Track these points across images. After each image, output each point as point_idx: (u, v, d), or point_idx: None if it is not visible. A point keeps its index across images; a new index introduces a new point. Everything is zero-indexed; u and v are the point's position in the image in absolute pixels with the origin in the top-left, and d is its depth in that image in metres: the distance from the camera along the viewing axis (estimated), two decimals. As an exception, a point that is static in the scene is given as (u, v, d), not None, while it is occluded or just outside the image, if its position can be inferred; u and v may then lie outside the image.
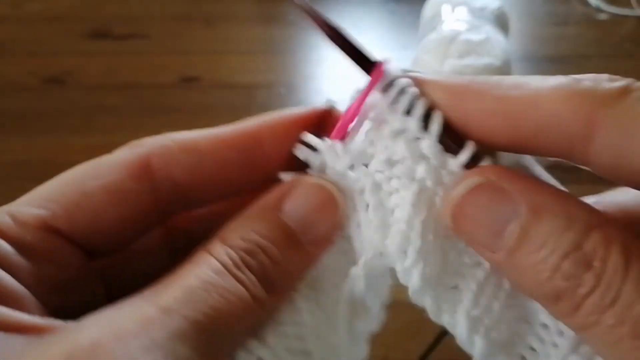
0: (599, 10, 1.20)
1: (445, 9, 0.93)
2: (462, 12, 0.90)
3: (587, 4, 1.21)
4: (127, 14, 1.23)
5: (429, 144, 0.26)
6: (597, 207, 0.25)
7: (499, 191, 0.24)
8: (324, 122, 0.31)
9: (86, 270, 0.28)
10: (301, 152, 0.29)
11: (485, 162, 0.26)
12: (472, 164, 0.26)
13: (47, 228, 0.27)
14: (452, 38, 0.85)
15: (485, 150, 0.27)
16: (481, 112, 0.26)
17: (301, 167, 0.29)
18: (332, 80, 1.04)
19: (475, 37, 0.85)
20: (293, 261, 0.26)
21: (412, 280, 0.26)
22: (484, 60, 0.82)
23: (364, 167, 0.28)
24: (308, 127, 0.30)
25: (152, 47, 1.13)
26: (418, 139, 0.27)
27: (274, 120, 0.30)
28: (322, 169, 0.28)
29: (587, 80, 0.25)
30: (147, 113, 0.95)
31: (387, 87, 0.28)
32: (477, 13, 0.90)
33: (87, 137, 0.90)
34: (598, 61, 1.07)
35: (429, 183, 0.26)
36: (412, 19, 1.09)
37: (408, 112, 0.27)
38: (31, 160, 0.86)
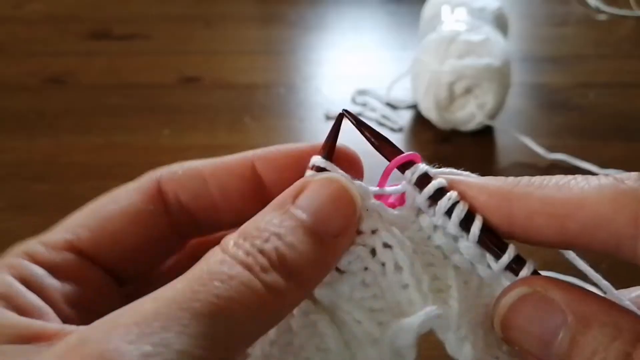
0: (598, 10, 1.20)
1: (445, 9, 0.93)
2: (462, 13, 0.90)
3: (586, 5, 1.22)
4: (127, 14, 1.23)
5: (467, 246, 0.28)
6: None
7: (546, 301, 0.25)
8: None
9: (114, 293, 0.30)
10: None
11: (527, 267, 0.28)
12: (513, 264, 0.28)
13: (74, 250, 0.29)
14: (452, 38, 0.85)
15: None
16: (527, 214, 0.27)
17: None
18: (331, 80, 1.04)
19: (475, 37, 0.85)
20: (312, 251, 0.26)
21: (464, 351, 0.27)
22: (484, 60, 0.83)
23: (393, 228, 0.28)
24: (304, 161, 0.31)
25: (152, 47, 1.13)
26: (456, 237, 0.29)
27: (269, 151, 0.32)
28: None
29: (630, 179, 0.26)
30: (147, 113, 0.95)
31: (424, 182, 0.29)
32: (477, 14, 0.90)
33: (87, 137, 0.90)
34: (597, 62, 1.07)
35: (463, 271, 0.29)
36: (411, 19, 1.09)
37: (449, 210, 0.28)
38: (31, 160, 0.86)
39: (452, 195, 0.28)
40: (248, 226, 0.26)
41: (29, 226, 0.74)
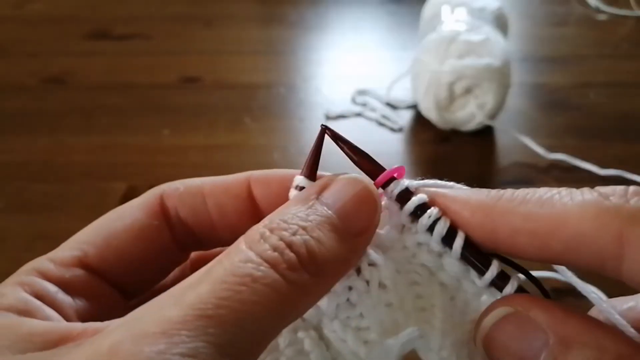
0: (598, 10, 1.20)
1: (445, 9, 0.93)
2: (462, 13, 0.90)
3: (586, 5, 1.22)
4: (127, 14, 1.23)
5: (450, 262, 0.28)
6: (634, 312, 0.26)
7: (527, 322, 0.25)
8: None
9: (122, 307, 0.31)
10: None
11: (511, 283, 0.27)
12: (497, 280, 0.28)
13: (83, 266, 0.30)
14: (452, 38, 0.85)
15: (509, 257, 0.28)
16: (509, 230, 0.26)
17: None
18: (331, 80, 1.04)
19: (475, 37, 0.85)
20: (336, 248, 0.25)
21: None
22: (484, 60, 0.83)
23: (377, 249, 0.28)
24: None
25: (152, 47, 1.13)
26: (440, 253, 0.28)
27: (265, 174, 0.33)
28: None
29: (614, 195, 0.24)
30: (147, 113, 0.95)
31: (405, 198, 0.28)
32: (477, 14, 0.90)
33: (87, 137, 0.90)
34: (597, 62, 1.07)
35: (449, 288, 0.28)
36: (411, 19, 1.09)
37: (430, 227, 0.28)
38: (31, 160, 0.86)
39: (432, 212, 0.28)
40: (274, 218, 0.26)
41: (29, 226, 0.74)
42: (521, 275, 0.28)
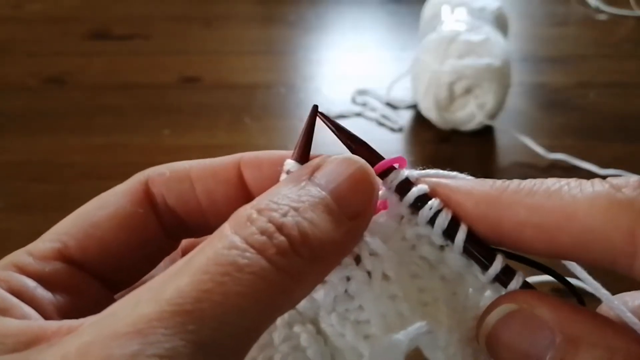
0: (598, 10, 1.20)
1: (445, 9, 0.93)
2: (462, 13, 0.90)
3: (587, 5, 1.22)
4: (127, 14, 1.23)
5: (452, 257, 0.27)
6: None
7: (533, 320, 0.24)
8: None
9: (107, 300, 0.28)
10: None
11: (516, 279, 0.26)
12: (501, 275, 0.26)
13: (63, 259, 0.28)
14: (452, 38, 0.85)
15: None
16: (515, 224, 0.24)
17: None
18: (331, 80, 1.04)
19: (475, 37, 0.85)
20: (332, 228, 0.23)
21: None
22: (484, 60, 0.83)
23: (375, 241, 0.27)
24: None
25: (152, 47, 1.13)
26: (442, 246, 0.27)
27: (256, 156, 0.30)
28: None
29: (627, 187, 0.23)
30: (147, 113, 0.95)
31: (405, 189, 0.27)
32: (477, 14, 0.90)
33: (87, 137, 0.90)
34: (597, 62, 1.07)
35: (451, 282, 0.27)
36: (411, 19, 1.09)
37: (431, 219, 0.26)
38: (31, 160, 0.86)
39: (433, 203, 0.26)
40: (263, 199, 0.24)
41: (29, 226, 0.74)
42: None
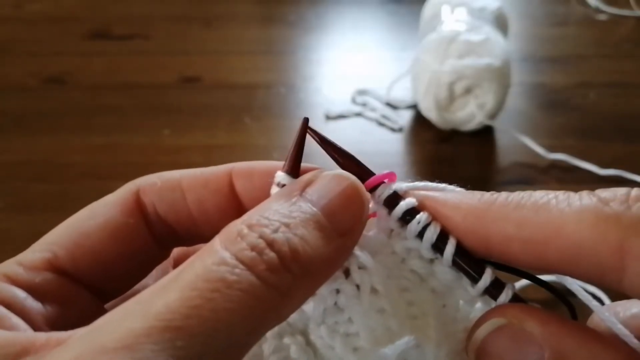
0: (598, 10, 1.20)
1: (445, 9, 0.93)
2: (462, 13, 0.90)
3: (587, 5, 1.22)
4: (127, 14, 1.23)
5: (442, 270, 0.27)
6: (637, 320, 0.25)
7: (521, 335, 0.24)
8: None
9: (97, 311, 0.28)
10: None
11: (505, 292, 0.26)
12: (491, 288, 0.26)
13: (53, 269, 0.28)
14: (452, 38, 0.85)
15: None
16: (502, 237, 0.24)
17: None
18: (331, 80, 1.04)
19: (475, 37, 0.85)
20: (321, 247, 0.23)
21: None
22: (484, 60, 0.83)
23: (364, 254, 0.27)
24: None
25: (152, 47, 1.13)
26: (431, 260, 0.27)
27: (248, 167, 0.30)
28: None
29: (615, 201, 0.22)
30: (147, 113, 0.95)
31: (393, 203, 0.27)
32: (477, 14, 0.90)
33: (87, 137, 0.90)
34: (597, 61, 1.07)
35: (441, 295, 0.27)
36: (411, 19, 1.09)
37: (420, 233, 0.26)
38: (31, 160, 0.86)
39: (422, 217, 0.26)
40: (253, 214, 0.24)
41: (29, 226, 0.74)
42: (523, 281, 0.27)
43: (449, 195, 0.26)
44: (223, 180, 0.30)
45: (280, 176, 0.27)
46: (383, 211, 0.27)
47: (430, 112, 0.87)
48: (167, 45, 1.13)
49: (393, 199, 0.27)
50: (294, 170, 0.27)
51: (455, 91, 0.84)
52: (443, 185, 0.27)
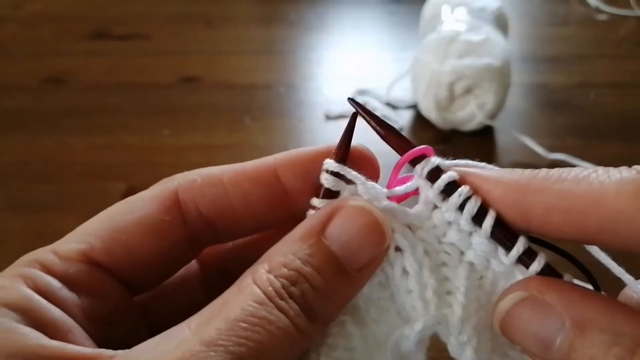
0: (598, 10, 1.20)
1: (445, 9, 0.93)
2: (462, 13, 0.90)
3: (587, 5, 1.22)
4: (127, 14, 1.23)
5: (480, 241, 0.28)
6: None
7: (542, 305, 0.25)
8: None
9: (128, 304, 0.30)
10: (328, 181, 0.29)
11: (537, 260, 0.27)
12: (524, 256, 0.27)
13: (88, 261, 0.29)
14: (452, 38, 0.85)
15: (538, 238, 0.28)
16: (543, 209, 0.25)
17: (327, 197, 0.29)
18: (331, 80, 1.04)
19: (475, 37, 0.85)
20: (336, 289, 0.26)
21: (465, 355, 0.28)
22: (484, 60, 0.83)
23: (406, 230, 0.28)
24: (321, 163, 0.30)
25: (152, 47, 1.13)
26: (470, 232, 0.28)
27: (290, 156, 0.31)
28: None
29: None
30: (147, 113, 0.95)
31: (436, 176, 0.28)
32: (477, 14, 0.90)
33: (87, 137, 0.90)
34: (597, 61, 1.07)
35: (479, 267, 0.28)
36: (412, 19, 1.09)
37: (461, 206, 0.27)
38: (31, 160, 0.86)
39: (463, 190, 0.27)
40: (275, 257, 0.26)
41: (29, 226, 0.74)
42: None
43: (489, 171, 0.28)
44: (267, 172, 0.31)
45: (329, 163, 0.28)
46: (425, 184, 0.28)
47: (430, 112, 0.87)
48: (167, 45, 1.13)
49: (436, 173, 0.28)
50: (344, 157, 0.28)
51: (455, 91, 0.84)
52: (483, 163, 0.29)
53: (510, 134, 0.86)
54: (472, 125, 0.86)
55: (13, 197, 0.79)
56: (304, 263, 0.26)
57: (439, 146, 0.87)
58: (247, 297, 0.25)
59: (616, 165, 0.81)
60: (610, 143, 0.88)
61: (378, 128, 0.29)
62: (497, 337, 0.28)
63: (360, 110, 0.29)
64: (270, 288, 0.25)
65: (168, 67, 1.06)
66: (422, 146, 0.28)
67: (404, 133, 0.95)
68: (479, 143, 0.88)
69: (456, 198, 0.27)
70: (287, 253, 0.26)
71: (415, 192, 0.29)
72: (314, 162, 0.29)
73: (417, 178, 0.28)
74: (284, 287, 0.25)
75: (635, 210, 0.23)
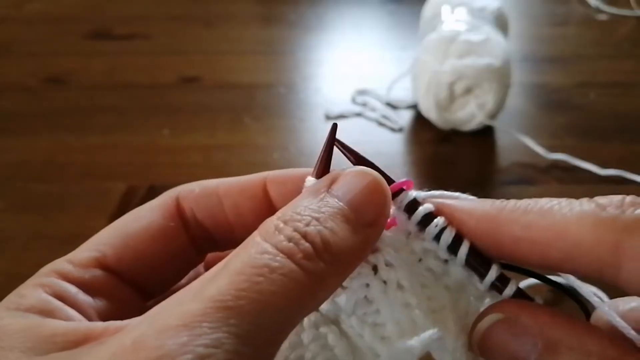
0: (598, 10, 1.20)
1: (445, 9, 0.93)
2: (462, 13, 0.90)
3: (587, 5, 1.22)
4: (127, 14, 1.23)
5: (455, 269, 0.29)
6: (636, 313, 0.27)
7: (516, 327, 0.27)
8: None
9: (141, 308, 0.31)
10: None
11: (509, 286, 0.29)
12: (497, 282, 0.29)
13: (101, 267, 0.31)
14: (452, 38, 0.85)
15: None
16: (512, 239, 0.27)
17: None
18: (331, 80, 1.04)
19: (475, 37, 0.85)
20: (350, 236, 0.26)
21: None
22: (484, 60, 0.83)
23: (390, 252, 0.29)
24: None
25: (152, 47, 1.13)
26: (446, 260, 0.30)
27: (279, 174, 0.33)
28: None
29: (611, 206, 0.25)
30: (147, 113, 0.95)
31: (412, 209, 0.30)
32: (477, 13, 0.90)
33: (87, 137, 0.90)
34: (598, 61, 1.07)
35: (455, 291, 0.30)
36: (412, 19, 1.09)
37: (437, 236, 0.29)
38: (31, 160, 0.86)
39: (439, 221, 0.29)
40: (286, 211, 0.26)
41: (29, 226, 0.74)
42: (530, 280, 0.29)
43: (462, 202, 0.29)
44: (258, 186, 0.33)
45: (311, 181, 0.29)
46: (403, 216, 0.30)
47: (430, 112, 0.87)
48: (167, 45, 1.13)
49: (413, 205, 0.30)
50: (323, 175, 0.29)
51: (456, 91, 0.84)
52: (457, 193, 0.30)
53: (510, 134, 0.86)
54: (472, 125, 0.86)
55: (13, 197, 0.79)
56: (316, 211, 0.26)
57: (438, 146, 0.87)
58: (250, 249, 0.24)
59: (616, 165, 0.81)
60: (610, 143, 0.88)
61: (359, 165, 0.30)
62: (477, 357, 0.29)
63: (340, 147, 0.30)
64: (276, 233, 0.25)
65: (168, 67, 1.06)
66: (402, 180, 0.30)
67: (404, 133, 0.95)
68: (479, 143, 0.88)
69: (433, 228, 0.29)
70: (296, 206, 0.26)
71: (394, 222, 0.31)
72: (301, 181, 0.30)
73: (396, 210, 0.30)
74: (296, 229, 0.25)
75: (594, 242, 0.25)
